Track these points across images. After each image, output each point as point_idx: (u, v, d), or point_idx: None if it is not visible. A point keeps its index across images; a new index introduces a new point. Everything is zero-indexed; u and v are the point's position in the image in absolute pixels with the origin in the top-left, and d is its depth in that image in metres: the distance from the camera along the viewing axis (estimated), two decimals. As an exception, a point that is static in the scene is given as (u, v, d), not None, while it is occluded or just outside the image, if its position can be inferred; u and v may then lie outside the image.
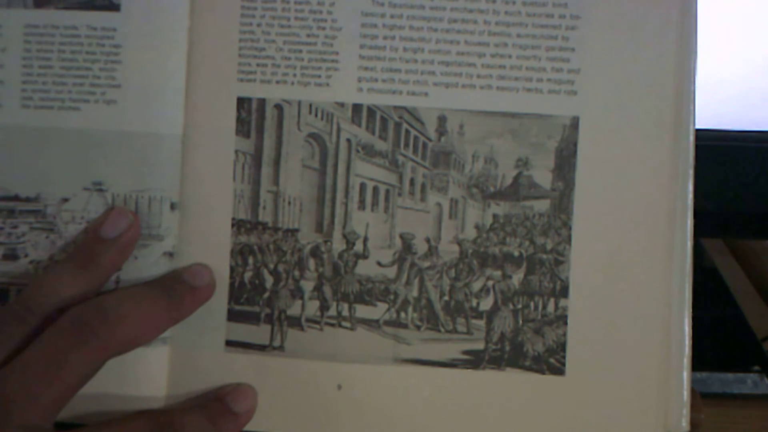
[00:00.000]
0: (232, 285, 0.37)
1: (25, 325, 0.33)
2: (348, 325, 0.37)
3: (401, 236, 0.37)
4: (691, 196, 0.36)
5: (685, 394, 0.36)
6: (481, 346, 0.36)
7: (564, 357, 0.36)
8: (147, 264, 0.36)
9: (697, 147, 0.36)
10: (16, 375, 0.32)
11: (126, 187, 0.36)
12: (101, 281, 0.35)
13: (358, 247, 0.37)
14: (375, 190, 0.37)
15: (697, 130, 0.36)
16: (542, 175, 0.36)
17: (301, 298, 0.37)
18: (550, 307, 0.36)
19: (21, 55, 0.36)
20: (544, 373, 0.36)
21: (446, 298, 0.37)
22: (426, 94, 0.36)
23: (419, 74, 0.36)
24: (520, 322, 0.36)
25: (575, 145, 0.36)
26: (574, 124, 0.36)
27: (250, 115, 0.36)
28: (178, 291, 0.35)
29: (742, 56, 0.47)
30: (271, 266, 0.37)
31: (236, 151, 0.37)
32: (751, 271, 0.62)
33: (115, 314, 0.33)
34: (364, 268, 0.37)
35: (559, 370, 0.36)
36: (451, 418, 0.36)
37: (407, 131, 0.36)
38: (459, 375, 0.36)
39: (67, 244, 0.36)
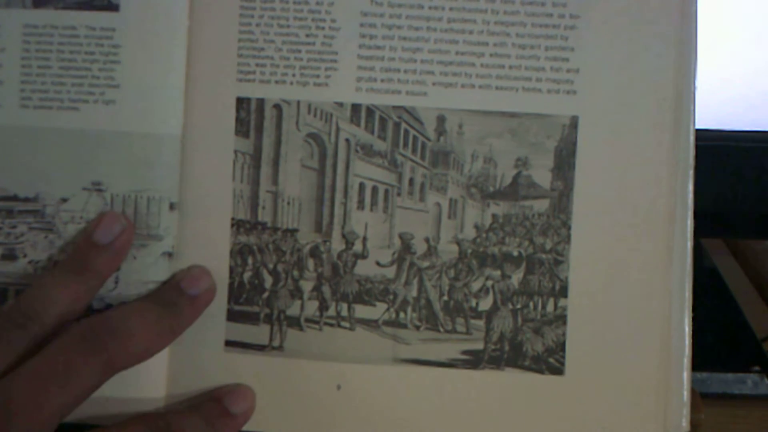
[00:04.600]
0: (231, 285, 0.37)
1: (24, 331, 0.33)
2: (347, 325, 0.37)
3: (400, 236, 0.37)
4: (691, 196, 0.36)
5: (685, 394, 0.35)
6: (480, 346, 0.36)
7: (563, 357, 0.36)
8: (146, 264, 0.36)
9: (697, 147, 0.36)
10: (23, 382, 0.32)
11: (125, 187, 0.36)
12: (97, 286, 0.35)
13: (358, 247, 0.37)
14: (374, 189, 0.37)
15: (697, 130, 0.36)
16: (541, 175, 0.36)
17: (301, 298, 0.37)
18: (550, 307, 0.36)
19: (20, 55, 0.36)
20: (543, 373, 0.36)
21: (445, 298, 0.36)
22: (425, 93, 0.36)
23: (418, 74, 0.36)
24: (520, 322, 0.36)
25: (574, 144, 0.36)
26: (574, 123, 0.36)
27: (249, 115, 0.36)
28: (180, 305, 0.35)
29: (742, 56, 0.47)
30: (271, 266, 0.37)
31: (235, 151, 0.37)
32: (751, 271, 0.62)
33: (123, 330, 0.33)
34: (363, 268, 0.37)
35: (558, 370, 0.36)
36: (450, 418, 0.36)
37: (406, 131, 0.36)
38: (458, 375, 0.36)
39: (66, 244, 0.36)
